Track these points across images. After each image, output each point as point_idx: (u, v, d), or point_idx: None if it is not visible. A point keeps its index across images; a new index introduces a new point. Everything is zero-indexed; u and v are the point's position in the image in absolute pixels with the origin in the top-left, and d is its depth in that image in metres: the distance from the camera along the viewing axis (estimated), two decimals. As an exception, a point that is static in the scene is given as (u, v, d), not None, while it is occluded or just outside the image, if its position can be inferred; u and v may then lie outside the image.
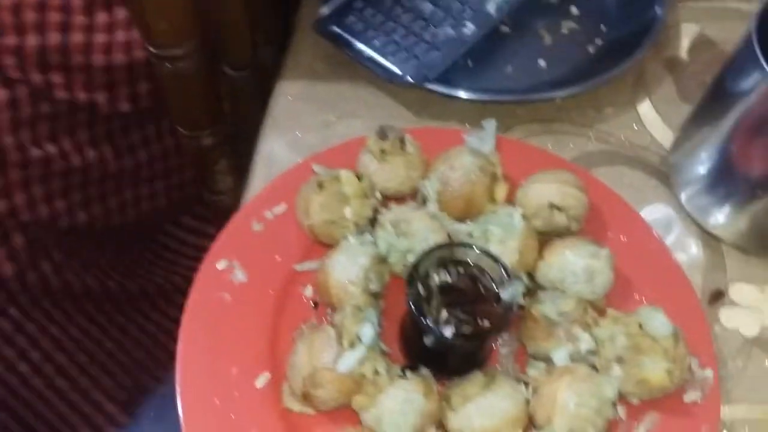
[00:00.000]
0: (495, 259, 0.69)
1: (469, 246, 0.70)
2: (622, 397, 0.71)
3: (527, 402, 0.69)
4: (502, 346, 0.77)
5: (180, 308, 0.73)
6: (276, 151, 0.92)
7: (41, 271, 1.08)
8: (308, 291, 0.79)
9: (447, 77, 0.94)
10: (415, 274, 0.68)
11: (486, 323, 0.67)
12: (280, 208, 0.82)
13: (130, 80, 1.04)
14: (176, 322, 0.72)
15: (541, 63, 1.03)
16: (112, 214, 1.18)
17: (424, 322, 0.65)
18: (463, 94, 0.91)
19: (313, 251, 0.80)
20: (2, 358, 1.13)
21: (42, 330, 1.14)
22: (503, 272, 0.68)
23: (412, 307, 0.66)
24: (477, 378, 0.69)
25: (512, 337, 0.77)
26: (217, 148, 1.07)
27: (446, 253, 0.70)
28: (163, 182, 1.26)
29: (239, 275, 0.77)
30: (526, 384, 0.70)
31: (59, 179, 1.03)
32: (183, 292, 0.74)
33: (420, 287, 0.68)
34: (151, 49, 0.85)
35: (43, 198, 1.02)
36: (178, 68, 0.86)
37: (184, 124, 1.02)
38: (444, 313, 0.67)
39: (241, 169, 0.97)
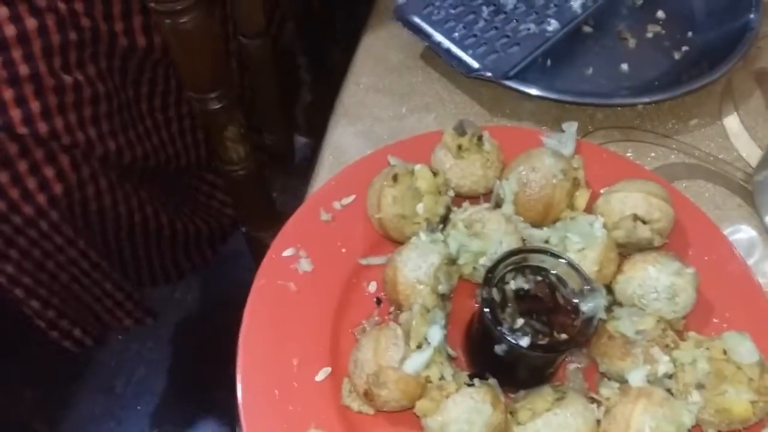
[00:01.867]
0: (576, 269, 0.65)
1: (548, 252, 0.66)
2: (697, 426, 0.67)
3: (597, 423, 0.66)
4: (572, 362, 0.74)
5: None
6: (344, 140, 0.89)
7: (86, 194, 1.13)
8: (372, 287, 0.76)
9: (525, 75, 0.90)
10: (490, 278, 0.64)
11: (563, 336, 0.64)
12: (349, 199, 0.79)
13: (144, 10, 1.06)
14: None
15: (624, 67, 0.99)
16: (144, 149, 1.22)
17: (499, 330, 0.62)
18: (542, 93, 0.88)
19: (379, 246, 0.77)
20: (53, 275, 1.22)
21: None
22: (584, 283, 0.65)
23: (487, 312, 0.63)
24: (547, 393, 0.66)
25: (583, 353, 0.74)
26: (224, 114, 1.01)
27: (523, 258, 0.67)
28: (178, 125, 1.30)
29: (305, 264, 0.75)
30: (598, 403, 0.67)
31: (89, 106, 1.06)
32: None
33: (495, 292, 0.65)
34: (152, 3, 0.82)
35: (78, 124, 1.05)
36: (178, 24, 0.82)
37: (189, 84, 0.99)
38: (519, 322, 0.64)
39: (254, 143, 0.94)
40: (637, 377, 0.67)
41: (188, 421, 1.70)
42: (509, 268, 0.66)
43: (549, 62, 0.96)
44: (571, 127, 0.82)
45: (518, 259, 0.66)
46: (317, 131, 1.35)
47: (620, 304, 0.73)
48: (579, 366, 0.73)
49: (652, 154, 0.92)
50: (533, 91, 0.88)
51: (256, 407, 0.66)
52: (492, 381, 0.66)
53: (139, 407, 1.71)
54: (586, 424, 0.64)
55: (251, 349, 0.69)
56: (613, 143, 0.92)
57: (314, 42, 1.44)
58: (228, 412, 1.64)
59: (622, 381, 0.68)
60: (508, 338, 0.62)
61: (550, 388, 0.66)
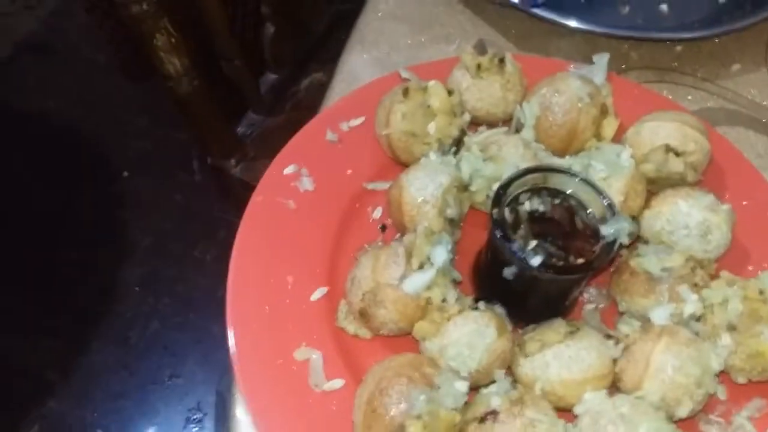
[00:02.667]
0: (598, 191, 0.60)
1: (569, 173, 0.61)
2: (724, 373, 0.61)
3: (614, 361, 0.60)
4: (588, 302, 0.68)
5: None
6: (359, 67, 0.85)
7: None
8: (377, 213, 0.72)
9: (556, 6, 0.84)
10: (502, 195, 0.59)
11: (579, 261, 0.58)
12: (358, 121, 0.75)
13: None
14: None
15: (663, 7, 0.92)
16: None
17: (509, 247, 0.56)
18: (574, 23, 0.82)
19: (387, 171, 0.72)
20: None
21: None
22: (607, 207, 0.59)
23: (496, 229, 0.57)
24: (559, 325, 0.60)
25: (601, 292, 0.68)
26: (149, 20, 0.95)
27: (540, 179, 0.61)
28: None
29: (306, 183, 0.71)
30: (616, 340, 0.61)
31: None
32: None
33: (506, 211, 0.59)
34: None
35: None
36: None
37: None
38: (532, 243, 0.58)
39: (192, 54, 0.88)
40: (660, 315, 0.61)
41: (198, 375, 1.69)
42: (524, 188, 0.61)
43: (583, -1, 0.90)
44: (602, 59, 0.75)
45: (535, 178, 0.61)
46: (287, 66, 1.28)
47: (646, 242, 0.67)
48: (597, 306, 0.67)
49: (689, 98, 0.85)
50: (564, 21, 0.82)
51: (244, 322, 0.62)
52: (499, 309, 0.61)
53: (151, 359, 1.70)
54: (601, 360, 0.58)
55: (243, 264, 0.65)
56: (648, 85, 0.85)
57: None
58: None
59: (644, 321, 0.63)
60: (519, 255, 0.56)
61: (563, 320, 0.61)
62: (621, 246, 0.58)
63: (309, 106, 1.15)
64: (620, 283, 0.65)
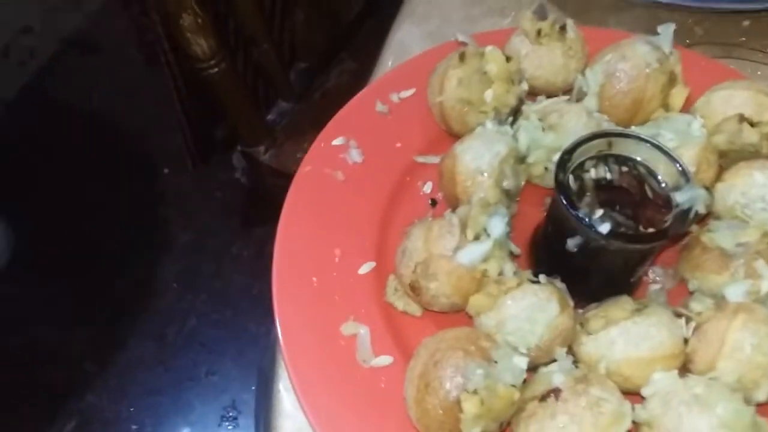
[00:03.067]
0: (671, 157, 0.55)
1: (638, 138, 0.57)
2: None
3: (685, 342, 0.55)
4: (654, 282, 0.63)
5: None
6: (410, 41, 0.82)
7: None
8: (427, 187, 0.68)
9: (617, -21, 0.80)
10: (567, 161, 0.55)
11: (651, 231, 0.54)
12: (409, 92, 0.72)
13: None
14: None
15: (730, -17, 0.87)
16: None
17: (575, 214, 0.53)
18: (638, -7, 0.77)
19: (438, 144, 0.69)
20: None
21: None
22: (681, 174, 0.55)
23: (561, 195, 0.53)
24: (625, 301, 0.56)
25: (667, 272, 0.64)
26: None
27: (606, 145, 0.57)
28: None
29: (355, 155, 0.68)
30: (687, 319, 0.56)
31: None
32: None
33: (571, 179, 0.56)
34: None
35: None
36: None
37: None
38: (599, 212, 0.54)
39: (219, 33, 0.85)
40: (736, 292, 0.56)
41: (234, 372, 1.67)
42: (589, 155, 0.57)
43: (644, -28, 0.85)
44: (668, 28, 0.71)
45: (600, 144, 0.57)
46: (317, 54, 1.24)
47: (718, 217, 0.62)
48: (663, 287, 0.63)
49: (759, 73, 0.80)
50: (625, -10, 0.77)
51: (290, 294, 0.60)
52: (560, 284, 0.57)
53: (187, 356, 1.69)
54: (672, 338, 0.54)
55: (290, 235, 0.63)
56: (715, 60, 0.80)
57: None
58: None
59: (718, 299, 0.58)
60: (586, 221, 0.52)
61: (629, 298, 0.57)
62: (697, 215, 0.53)
63: (339, 94, 1.14)
64: (691, 260, 0.60)
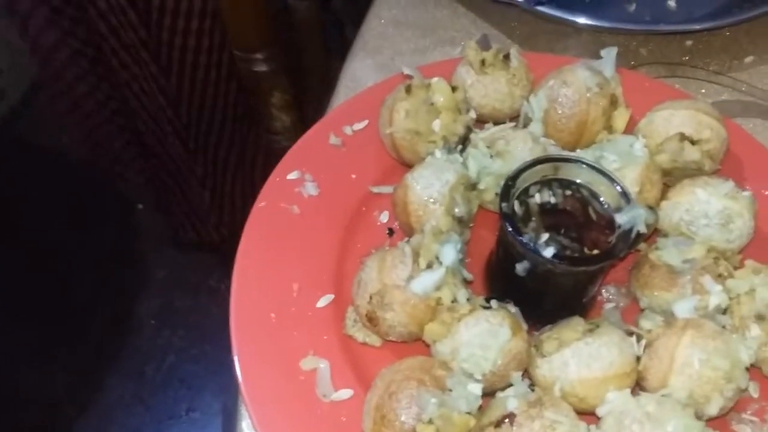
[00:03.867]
0: (611, 179, 0.57)
1: (579, 161, 0.58)
2: (755, 369, 0.57)
3: (637, 360, 0.57)
4: (608, 301, 0.65)
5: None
6: (363, 73, 0.84)
7: None
8: (384, 216, 0.69)
9: (560, 5, 0.82)
10: (511, 187, 0.57)
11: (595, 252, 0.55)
12: (361, 125, 0.73)
13: None
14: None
15: (671, 4, 0.90)
16: None
17: (520, 240, 0.54)
18: (582, 19, 0.80)
19: (393, 174, 0.70)
20: None
21: None
22: (621, 195, 0.56)
23: (506, 222, 0.55)
24: (577, 323, 0.57)
25: (620, 290, 0.65)
26: (271, 77, 1.00)
27: (550, 170, 0.59)
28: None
29: (310, 188, 0.69)
30: (638, 337, 0.57)
31: None
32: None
33: (516, 204, 0.57)
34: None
35: None
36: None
37: (237, 42, 0.97)
38: (544, 236, 0.55)
39: (299, 108, 0.92)
40: (684, 308, 0.58)
41: (215, 407, 1.66)
42: (534, 180, 0.58)
43: (588, -2, 0.88)
44: (610, 52, 0.73)
45: (544, 169, 0.58)
46: None
47: (665, 235, 0.64)
48: (617, 305, 0.64)
49: (703, 91, 0.83)
50: (571, 17, 0.80)
51: (249, 330, 0.60)
52: (512, 308, 0.58)
53: (167, 393, 1.67)
54: (623, 357, 0.55)
55: (247, 271, 0.63)
56: (659, 80, 0.83)
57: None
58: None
59: (667, 316, 0.59)
60: (531, 246, 0.53)
61: (581, 318, 0.58)
62: (639, 234, 0.55)
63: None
64: (640, 278, 0.61)
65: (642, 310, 0.62)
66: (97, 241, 1.90)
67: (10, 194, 1.95)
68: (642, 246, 0.63)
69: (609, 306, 0.64)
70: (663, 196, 0.65)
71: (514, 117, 0.71)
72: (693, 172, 0.65)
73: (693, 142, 0.65)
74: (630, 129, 0.70)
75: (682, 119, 0.65)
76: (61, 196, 1.97)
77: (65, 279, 1.82)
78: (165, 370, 1.71)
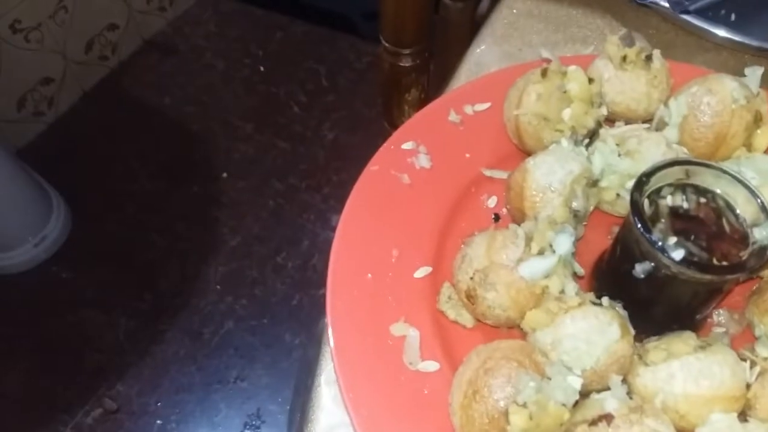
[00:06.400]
0: (752, 192, 0.53)
1: (719, 169, 0.55)
2: None
3: (747, 386, 0.52)
4: (718, 325, 0.61)
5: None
6: (488, 59, 0.82)
7: None
8: (492, 201, 0.68)
9: (706, 15, 0.79)
10: (644, 183, 0.54)
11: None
12: (484, 106, 0.72)
13: None
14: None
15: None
16: None
17: (648, 237, 0.51)
18: (723, 33, 0.76)
19: (508, 160, 0.69)
20: None
21: None
22: (762, 209, 0.53)
23: (635, 216, 0.52)
24: (689, 337, 0.54)
25: (733, 317, 0.61)
26: (413, 74, 1.00)
27: (684, 174, 0.55)
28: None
29: (423, 160, 0.68)
30: (751, 363, 0.53)
31: None
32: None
33: (646, 203, 0.54)
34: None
35: None
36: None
37: (388, 35, 0.97)
38: (672, 240, 0.52)
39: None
40: (809, 343, 0.53)
41: (264, 380, 1.67)
42: (667, 182, 0.55)
43: (733, 16, 0.84)
44: (755, 71, 0.69)
45: (679, 172, 0.55)
46: None
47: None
48: (727, 331, 0.60)
49: None
50: (715, 29, 0.76)
51: (344, 286, 0.59)
52: (622, 310, 0.55)
53: (221, 359, 1.70)
54: (735, 380, 0.51)
55: (350, 230, 0.63)
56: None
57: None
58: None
59: (787, 349, 0.55)
60: (659, 245, 0.50)
61: (692, 333, 0.54)
62: (775, 254, 0.51)
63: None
64: (761, 304, 0.57)
65: (757, 338, 0.58)
66: (179, 200, 1.95)
67: (106, 145, 2.04)
68: (765, 273, 0.59)
69: (719, 330, 0.60)
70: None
71: (646, 120, 0.68)
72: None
73: (843, 173, 0.60)
74: (769, 150, 0.66)
75: (833, 146, 0.61)
76: (154, 152, 2.04)
77: (143, 230, 1.88)
78: (222, 336, 1.73)
